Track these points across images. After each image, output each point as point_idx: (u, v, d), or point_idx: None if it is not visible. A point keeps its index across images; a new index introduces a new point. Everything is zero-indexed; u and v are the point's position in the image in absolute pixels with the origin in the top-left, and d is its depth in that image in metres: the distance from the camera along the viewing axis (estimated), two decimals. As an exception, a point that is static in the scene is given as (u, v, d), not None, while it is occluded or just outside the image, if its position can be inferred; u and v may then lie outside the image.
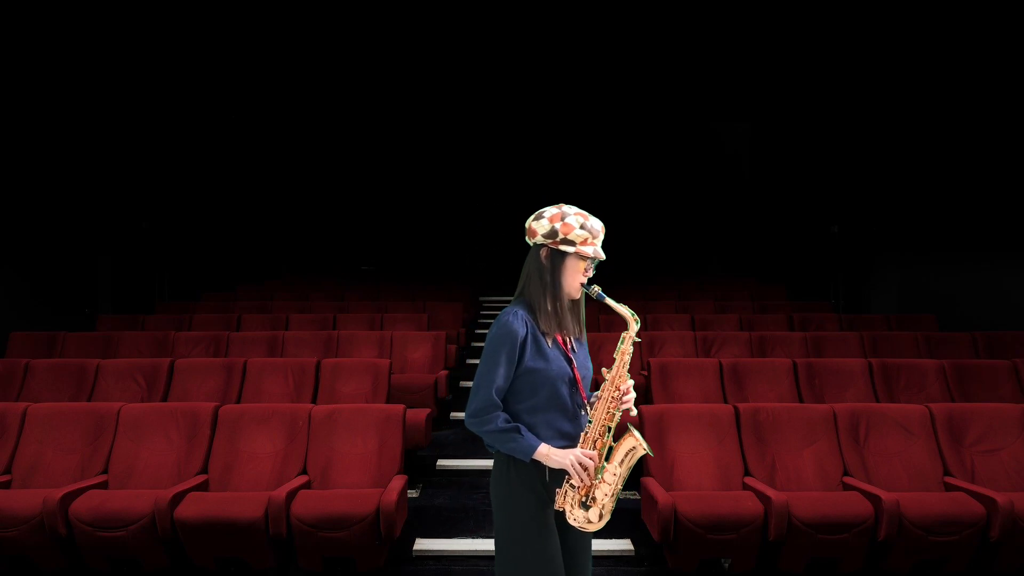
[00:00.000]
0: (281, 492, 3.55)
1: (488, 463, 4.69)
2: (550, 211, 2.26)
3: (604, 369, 2.28)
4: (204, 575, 3.66)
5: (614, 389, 2.23)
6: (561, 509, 2.20)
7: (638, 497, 4.03)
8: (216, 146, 11.78)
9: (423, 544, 4.02)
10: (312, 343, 6.19)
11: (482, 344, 2.26)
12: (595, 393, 2.30)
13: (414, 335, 6.40)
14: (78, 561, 3.58)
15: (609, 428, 2.22)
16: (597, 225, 2.25)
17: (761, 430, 4.09)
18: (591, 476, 2.18)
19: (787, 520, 3.43)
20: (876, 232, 9.44)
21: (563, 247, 2.22)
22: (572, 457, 2.17)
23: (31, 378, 5.14)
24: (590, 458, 2.18)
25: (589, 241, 2.22)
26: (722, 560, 3.67)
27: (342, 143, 13.26)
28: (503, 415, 2.20)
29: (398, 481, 3.79)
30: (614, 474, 2.20)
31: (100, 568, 3.60)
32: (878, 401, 5.03)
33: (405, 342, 6.31)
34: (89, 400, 4.97)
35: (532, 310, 2.26)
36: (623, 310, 2.26)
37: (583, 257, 2.23)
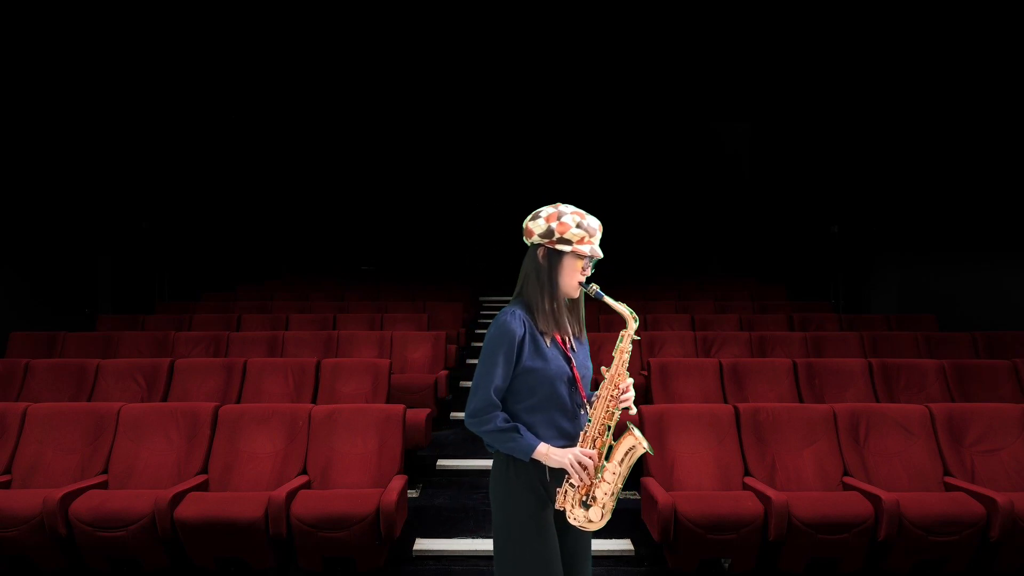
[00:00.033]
0: (281, 492, 3.55)
1: (488, 463, 4.68)
2: (546, 211, 2.26)
3: (604, 368, 2.28)
4: (204, 575, 3.66)
5: (613, 388, 2.23)
6: (562, 509, 2.20)
7: (638, 497, 4.03)
8: (216, 146, 11.78)
9: (423, 544, 4.02)
10: (312, 343, 6.19)
11: (482, 344, 2.26)
12: (595, 392, 2.30)
13: (414, 335, 6.40)
14: (78, 561, 3.58)
15: (609, 427, 2.22)
16: (594, 223, 2.25)
17: (761, 430, 4.09)
18: (591, 475, 2.18)
19: (787, 520, 3.43)
20: (876, 232, 9.44)
21: (560, 246, 2.22)
22: (571, 456, 2.17)
23: (31, 378, 5.14)
24: (589, 457, 2.18)
25: (586, 240, 2.22)
26: (722, 560, 3.67)
27: (342, 143, 13.26)
28: (502, 415, 2.20)
29: (398, 481, 3.80)
30: (614, 473, 2.20)
31: (100, 568, 3.60)
32: (878, 401, 5.03)
33: (405, 342, 6.32)
34: (89, 400, 4.97)
35: (530, 310, 2.26)
36: (621, 308, 2.25)
37: (580, 256, 2.23)
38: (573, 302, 2.32)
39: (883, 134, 9.30)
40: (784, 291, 9.52)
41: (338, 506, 3.52)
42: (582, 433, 2.23)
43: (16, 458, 4.01)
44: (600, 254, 2.25)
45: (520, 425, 2.19)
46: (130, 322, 7.24)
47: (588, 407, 2.28)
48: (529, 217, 2.28)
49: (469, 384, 2.25)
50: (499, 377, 2.19)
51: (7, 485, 3.88)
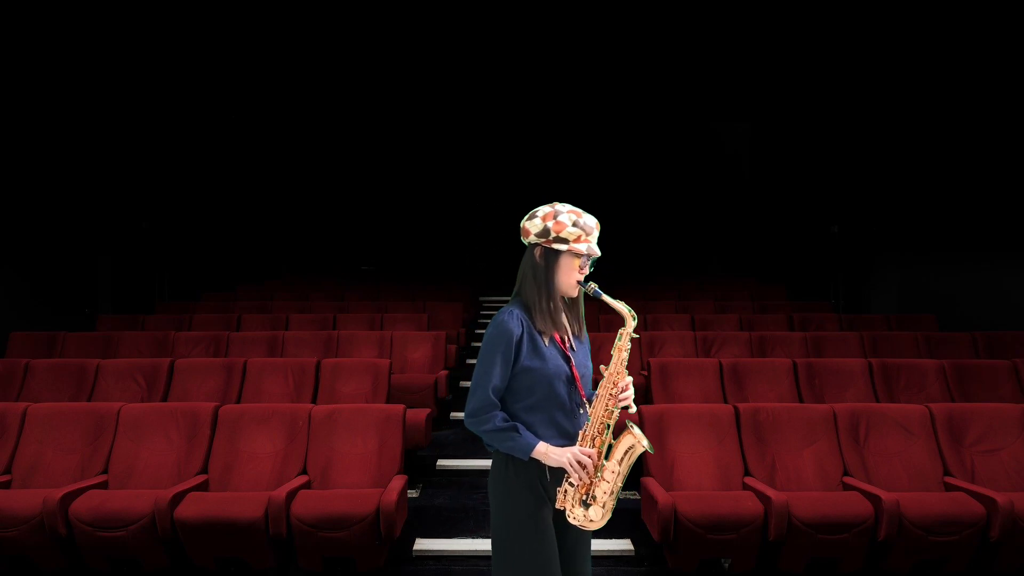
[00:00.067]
0: (281, 492, 3.55)
1: (488, 463, 4.68)
2: (543, 210, 2.26)
3: (603, 366, 2.28)
4: (204, 575, 3.66)
5: (612, 386, 2.23)
6: (562, 508, 2.20)
7: (638, 497, 4.03)
8: (216, 146, 11.78)
9: (423, 544, 4.02)
10: (312, 343, 6.19)
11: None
12: (595, 392, 2.30)
13: (414, 335, 6.40)
14: (78, 561, 3.58)
15: (608, 425, 2.22)
16: (591, 222, 2.25)
17: (761, 430, 4.09)
18: (590, 474, 2.18)
19: (787, 520, 3.43)
20: (876, 232, 9.44)
21: (556, 245, 2.22)
22: (570, 455, 2.17)
23: (31, 378, 5.14)
24: (588, 456, 2.18)
25: (583, 238, 2.22)
26: (722, 560, 3.66)
27: (342, 143, 13.27)
28: (501, 414, 2.20)
29: (398, 481, 3.79)
30: (614, 472, 2.20)
31: (100, 568, 3.60)
32: (878, 401, 5.03)
33: (405, 342, 6.32)
34: (89, 400, 4.98)
35: (528, 309, 2.26)
36: (620, 306, 2.25)
37: (577, 254, 2.23)
38: (572, 301, 2.32)
39: (883, 134, 9.30)
40: (784, 291, 9.52)
41: (338, 506, 3.52)
42: (581, 432, 2.23)
43: (16, 458, 4.01)
44: (597, 252, 2.25)
45: (519, 424, 2.19)
46: (130, 322, 7.24)
47: (587, 406, 2.28)
48: (526, 217, 2.28)
49: (469, 384, 2.25)
50: (497, 377, 2.19)
51: (7, 485, 3.88)
